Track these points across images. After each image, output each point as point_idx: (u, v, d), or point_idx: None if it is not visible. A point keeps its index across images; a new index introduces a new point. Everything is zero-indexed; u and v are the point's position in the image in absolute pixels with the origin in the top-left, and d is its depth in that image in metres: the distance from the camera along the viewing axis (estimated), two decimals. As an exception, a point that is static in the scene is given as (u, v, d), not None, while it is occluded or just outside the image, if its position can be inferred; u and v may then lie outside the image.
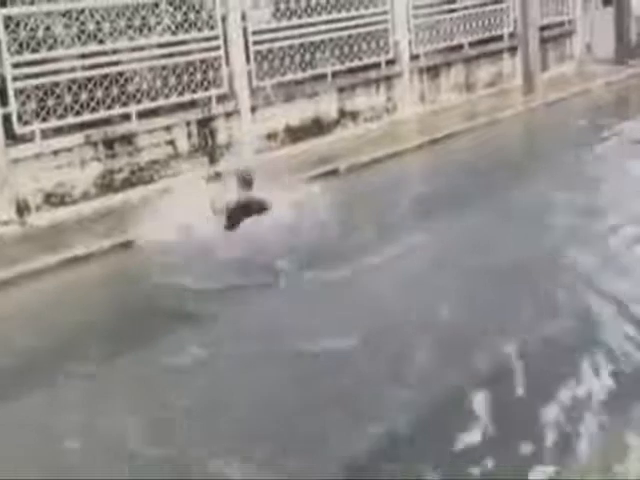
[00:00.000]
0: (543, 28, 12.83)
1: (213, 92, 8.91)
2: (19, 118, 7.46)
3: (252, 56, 9.28)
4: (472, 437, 3.85)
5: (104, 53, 8.07)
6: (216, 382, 4.64)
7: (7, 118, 7.39)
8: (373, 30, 10.62)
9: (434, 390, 4.34)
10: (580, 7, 13.76)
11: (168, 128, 8.54)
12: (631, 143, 9.61)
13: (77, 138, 7.83)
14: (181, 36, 8.64)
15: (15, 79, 7.42)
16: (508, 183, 8.10)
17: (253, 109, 9.29)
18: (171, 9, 8.53)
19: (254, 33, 9.30)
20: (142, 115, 8.34)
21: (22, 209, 7.50)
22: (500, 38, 12.45)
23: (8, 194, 7.39)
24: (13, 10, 7.42)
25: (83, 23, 7.84)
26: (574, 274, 5.81)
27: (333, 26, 10.13)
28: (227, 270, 6.32)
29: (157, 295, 5.96)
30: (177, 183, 8.46)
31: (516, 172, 8.58)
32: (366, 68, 10.60)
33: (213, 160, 8.92)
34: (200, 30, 8.78)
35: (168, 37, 8.55)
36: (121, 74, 8.15)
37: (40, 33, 7.55)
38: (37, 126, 7.57)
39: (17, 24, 7.41)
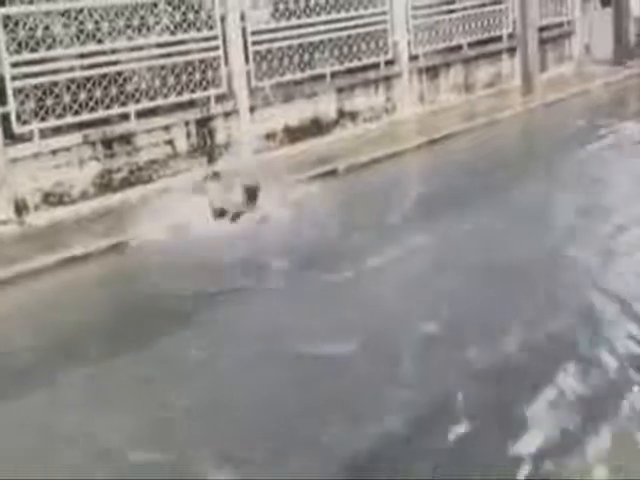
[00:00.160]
0: (542, 29, 12.84)
1: (212, 92, 8.90)
2: (18, 117, 7.44)
3: (251, 56, 9.27)
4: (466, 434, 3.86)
5: (103, 53, 8.05)
6: (215, 385, 4.60)
7: (6, 117, 7.37)
8: (372, 30, 10.61)
9: (433, 392, 4.31)
10: (579, 8, 13.78)
11: (167, 128, 8.53)
12: (630, 143, 9.61)
13: (76, 138, 7.82)
14: (180, 36, 8.63)
15: (14, 78, 7.41)
16: (507, 183, 8.09)
17: (252, 109, 9.28)
18: (170, 9, 8.52)
19: (253, 33, 9.29)
20: (141, 115, 8.32)
21: (20, 208, 7.48)
22: (499, 39, 12.45)
23: (6, 193, 7.37)
24: (12, 9, 7.41)
25: (82, 23, 7.83)
26: (576, 273, 5.82)
27: (332, 26, 10.13)
28: (226, 271, 6.30)
29: (155, 296, 5.91)
30: (176, 183, 8.47)
31: (515, 173, 8.58)
32: (365, 68, 10.60)
33: (212, 160, 8.91)
34: (199, 30, 8.77)
35: (167, 37, 8.53)
36: (120, 74, 8.14)
37: (39, 32, 7.53)
38: (36, 125, 7.56)
39: (16, 23, 7.40)
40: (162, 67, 8.52)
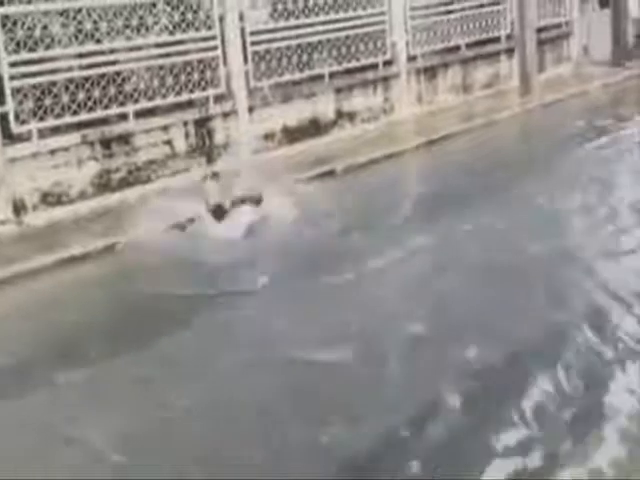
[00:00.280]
0: (540, 30, 12.86)
1: (210, 92, 8.90)
2: (16, 117, 7.43)
3: (250, 56, 9.27)
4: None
5: (101, 53, 8.04)
6: (211, 388, 4.58)
7: (4, 117, 7.36)
8: (370, 31, 10.62)
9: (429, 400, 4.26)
10: (577, 9, 13.79)
11: (165, 128, 8.53)
12: (628, 144, 9.62)
13: (74, 137, 7.82)
14: (178, 36, 8.63)
15: (12, 78, 7.40)
16: (506, 184, 8.09)
17: (250, 109, 9.28)
18: (168, 9, 8.52)
19: (252, 33, 9.29)
20: (139, 115, 8.32)
21: (19, 208, 7.48)
22: (497, 40, 12.46)
23: (5, 193, 7.37)
24: (10, 9, 7.40)
25: (80, 22, 7.82)
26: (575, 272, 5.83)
27: (330, 27, 10.13)
28: (221, 273, 6.27)
29: (151, 297, 5.87)
30: (175, 183, 8.47)
31: (514, 173, 8.58)
32: (363, 69, 10.60)
33: (210, 160, 8.91)
34: (198, 30, 8.77)
35: (165, 37, 8.53)
36: (118, 74, 8.13)
37: (37, 32, 7.52)
38: (34, 125, 7.55)
39: (14, 23, 7.39)
40: (161, 67, 8.51)
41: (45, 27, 7.59)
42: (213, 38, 8.91)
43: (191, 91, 8.74)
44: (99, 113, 7.99)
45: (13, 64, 7.41)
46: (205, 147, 8.88)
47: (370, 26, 10.61)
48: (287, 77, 9.72)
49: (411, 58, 11.16)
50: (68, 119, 7.78)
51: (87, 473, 3.87)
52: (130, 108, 8.21)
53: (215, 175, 8.58)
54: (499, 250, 6.30)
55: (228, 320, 5.50)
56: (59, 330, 5.53)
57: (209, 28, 8.85)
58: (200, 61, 8.82)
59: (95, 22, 7.92)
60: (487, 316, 5.18)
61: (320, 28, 10.01)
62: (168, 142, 8.54)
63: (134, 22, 8.21)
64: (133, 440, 4.12)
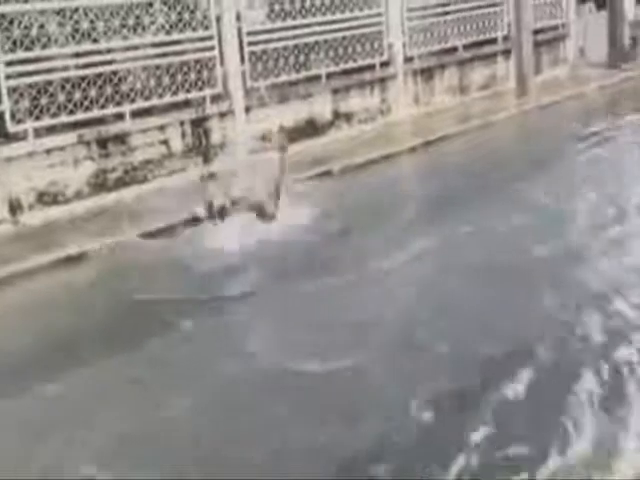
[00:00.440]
0: (537, 32, 12.88)
1: (207, 92, 8.89)
2: (12, 116, 7.42)
3: (246, 57, 9.26)
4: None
5: (98, 52, 8.03)
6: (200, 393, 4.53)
7: (0, 116, 7.35)
8: (367, 32, 10.62)
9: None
10: (574, 11, 13.81)
11: (162, 128, 8.52)
12: (625, 146, 9.64)
13: (70, 137, 7.80)
14: (175, 36, 8.62)
15: (8, 77, 7.38)
16: (504, 185, 8.08)
17: (247, 109, 9.27)
18: (165, 9, 8.51)
19: (249, 34, 9.29)
20: (136, 114, 8.31)
21: (15, 208, 7.45)
22: (494, 41, 12.48)
23: (1, 193, 7.34)
24: (6, 8, 7.38)
25: (77, 22, 7.81)
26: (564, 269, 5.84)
27: (327, 28, 10.13)
28: (217, 277, 6.20)
29: (146, 299, 5.82)
30: (171, 183, 8.46)
31: (511, 174, 8.56)
32: (360, 70, 10.60)
33: (207, 160, 8.90)
34: (194, 30, 8.76)
35: (162, 37, 8.52)
36: (115, 73, 8.12)
37: (34, 31, 7.51)
38: (30, 124, 7.53)
39: (10, 22, 7.38)
40: (157, 67, 8.50)
41: (42, 26, 7.58)
42: (210, 38, 8.90)
43: (188, 91, 8.73)
44: (95, 113, 7.98)
45: (9, 63, 7.39)
46: (202, 147, 8.87)
47: (367, 27, 10.62)
48: (284, 77, 9.72)
49: (408, 59, 11.17)
50: (64, 118, 7.76)
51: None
52: (126, 108, 8.20)
53: (212, 175, 8.58)
54: (498, 251, 6.27)
55: (223, 325, 5.43)
56: (53, 331, 5.49)
57: (206, 28, 8.85)
58: (197, 61, 8.81)
59: (92, 21, 7.90)
60: (494, 320, 5.12)
61: (317, 29, 10.01)
62: (164, 142, 8.53)
63: (131, 22, 8.20)
64: (128, 440, 4.11)
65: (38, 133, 7.62)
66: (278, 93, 9.59)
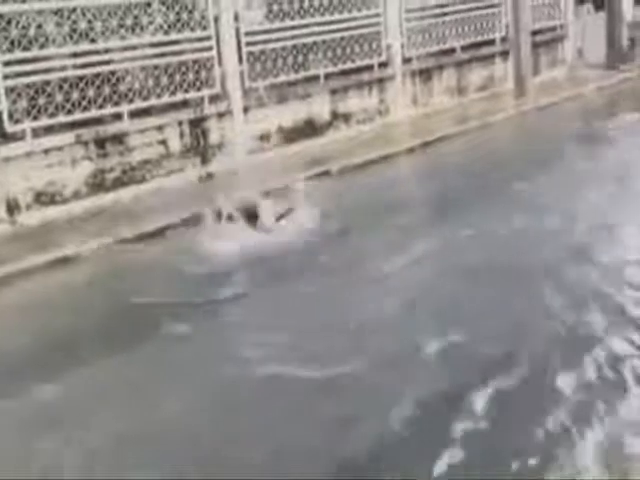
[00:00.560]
0: (535, 33, 12.88)
1: (205, 92, 8.88)
2: (10, 116, 7.40)
3: (245, 57, 9.25)
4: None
5: (96, 52, 8.02)
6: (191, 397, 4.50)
7: (-2, 116, 7.35)
8: (366, 33, 10.62)
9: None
10: (572, 12, 13.82)
11: (160, 128, 8.50)
12: (622, 147, 9.63)
13: (68, 137, 7.78)
14: (173, 36, 8.61)
15: (6, 77, 7.36)
16: (502, 186, 8.08)
17: (245, 110, 9.26)
18: (163, 9, 8.50)
19: (247, 34, 9.27)
20: (134, 115, 8.29)
21: (12, 208, 7.44)
22: (492, 42, 12.47)
23: (-2, 192, 7.35)
24: (4, 7, 7.37)
25: (75, 22, 7.80)
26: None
27: (326, 28, 10.12)
28: (212, 279, 6.15)
29: (142, 301, 5.79)
30: (169, 183, 8.45)
31: (509, 175, 8.55)
32: (359, 70, 10.60)
33: (205, 160, 8.89)
34: (193, 30, 8.74)
35: (160, 37, 8.50)
36: (113, 73, 8.10)
37: (32, 31, 7.49)
38: (28, 124, 7.51)
39: (8, 22, 7.36)
40: (155, 67, 8.49)
41: (39, 26, 7.57)
42: (208, 38, 8.89)
43: (186, 91, 8.72)
44: (93, 113, 7.96)
45: (7, 63, 7.38)
46: (200, 147, 8.86)
47: (365, 28, 10.61)
48: (282, 78, 9.71)
49: (406, 60, 11.16)
50: (62, 118, 7.75)
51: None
52: (125, 108, 8.18)
53: (210, 175, 8.58)
54: (497, 253, 6.25)
55: (209, 330, 5.37)
56: (46, 331, 5.47)
57: (204, 28, 8.83)
58: (195, 61, 8.79)
59: (90, 21, 7.89)
60: (495, 325, 5.06)
61: (315, 29, 10.00)
62: (163, 142, 8.51)
63: (129, 22, 8.19)
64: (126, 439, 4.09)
65: (36, 133, 7.60)
66: (276, 93, 9.58)
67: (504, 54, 12.62)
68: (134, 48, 8.31)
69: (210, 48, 8.89)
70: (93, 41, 7.95)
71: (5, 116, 7.36)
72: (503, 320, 5.10)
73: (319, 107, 10.09)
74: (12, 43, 7.38)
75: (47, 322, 5.64)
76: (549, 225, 6.86)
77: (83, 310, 5.83)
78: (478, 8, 12.16)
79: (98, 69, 7.97)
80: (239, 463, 3.81)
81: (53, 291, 6.25)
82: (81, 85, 7.84)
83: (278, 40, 9.62)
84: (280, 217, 7.21)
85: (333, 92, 10.26)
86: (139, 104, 8.33)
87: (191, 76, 8.74)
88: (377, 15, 10.76)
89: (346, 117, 10.45)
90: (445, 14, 11.69)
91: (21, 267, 6.53)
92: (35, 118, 7.57)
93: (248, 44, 9.29)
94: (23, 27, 7.45)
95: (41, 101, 7.57)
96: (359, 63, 10.55)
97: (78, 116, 7.85)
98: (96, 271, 6.59)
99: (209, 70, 8.90)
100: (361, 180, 8.75)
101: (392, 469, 3.65)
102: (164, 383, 4.67)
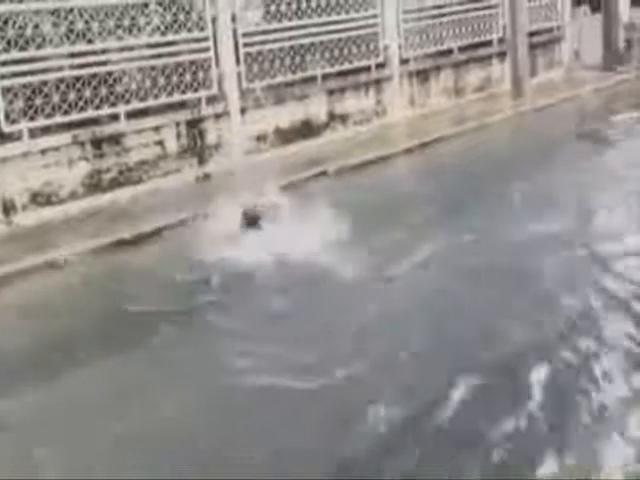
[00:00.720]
0: (532, 34, 12.90)
1: (203, 93, 8.87)
2: (6, 116, 7.39)
3: (242, 58, 9.25)
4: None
5: (93, 53, 8.01)
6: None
7: (-6, 116, 7.34)
8: (363, 34, 10.62)
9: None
10: (569, 14, 13.84)
11: (157, 129, 8.49)
12: (618, 148, 9.65)
13: (65, 137, 7.77)
14: (171, 37, 8.60)
15: (2, 77, 7.36)
16: (500, 187, 8.07)
17: (243, 111, 9.26)
18: (161, 9, 8.49)
19: (244, 35, 9.28)
20: (131, 115, 8.28)
21: (8, 208, 7.43)
22: (489, 43, 12.49)
23: (-5, 193, 7.34)
24: (1, 8, 7.35)
25: (72, 22, 7.79)
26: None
27: (323, 29, 10.12)
28: (210, 281, 6.11)
29: (136, 303, 5.75)
30: (166, 183, 8.44)
31: (506, 176, 8.56)
32: (356, 71, 10.60)
33: (202, 161, 8.88)
34: (190, 31, 8.74)
35: (158, 37, 8.50)
36: (110, 74, 8.10)
37: (28, 31, 7.48)
38: (25, 125, 7.50)
39: (5, 22, 7.35)
40: (152, 68, 8.48)
41: (36, 26, 7.55)
42: (205, 39, 8.88)
43: (183, 92, 8.71)
44: (90, 113, 7.96)
45: (3, 63, 7.37)
46: (197, 148, 8.85)
47: (363, 29, 10.62)
48: (280, 79, 9.71)
49: (404, 61, 11.17)
50: (59, 119, 7.74)
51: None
52: (121, 108, 8.17)
53: (207, 176, 8.56)
54: (496, 255, 6.24)
55: (196, 337, 5.35)
56: (45, 331, 5.46)
57: (201, 29, 8.83)
58: (192, 62, 8.79)
59: (87, 22, 7.88)
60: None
61: (313, 30, 10.01)
62: (160, 143, 8.50)
63: (126, 22, 8.18)
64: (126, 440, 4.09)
65: (33, 133, 7.59)
66: (274, 94, 9.58)
67: (501, 55, 12.63)
68: (131, 49, 8.31)
69: (207, 49, 8.89)
70: (90, 42, 7.94)
71: (2, 116, 7.35)
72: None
73: (316, 108, 10.09)
74: (9, 43, 7.37)
75: (41, 322, 5.63)
76: (548, 225, 6.84)
77: (78, 310, 5.82)
78: (475, 9, 12.18)
79: (95, 70, 7.97)
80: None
81: (50, 291, 6.24)
82: (78, 85, 7.83)
83: (275, 41, 9.62)
84: (274, 218, 7.18)
85: (330, 93, 10.26)
86: (136, 105, 8.32)
87: (188, 77, 8.73)
88: (374, 16, 10.77)
89: (343, 118, 10.45)
90: (442, 15, 11.70)
91: (17, 268, 6.52)
92: (32, 118, 7.55)
93: (245, 45, 9.29)
94: (20, 27, 7.43)
95: (38, 101, 7.56)
96: (356, 64, 10.55)
97: (75, 116, 7.84)
98: (93, 271, 6.58)
99: (206, 71, 8.89)
100: (358, 181, 8.75)
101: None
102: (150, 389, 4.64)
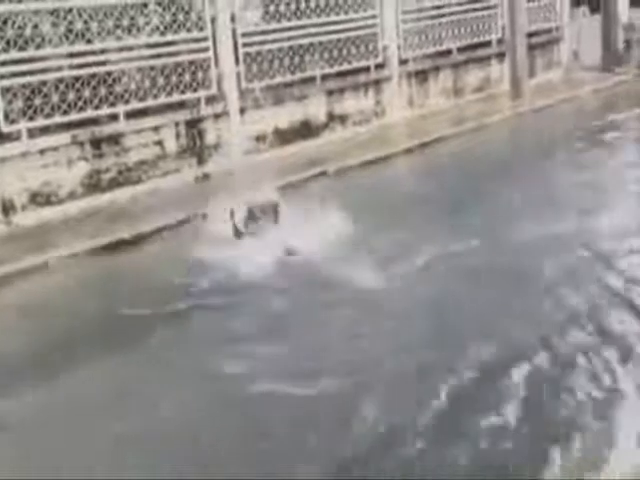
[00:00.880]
0: (531, 35, 12.90)
1: (202, 93, 8.87)
2: (5, 116, 7.38)
3: (241, 58, 9.25)
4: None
5: (92, 53, 8.00)
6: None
7: (-7, 116, 7.33)
8: (362, 34, 10.62)
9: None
10: (567, 14, 13.84)
11: (156, 128, 8.49)
12: (616, 149, 9.66)
13: (64, 137, 7.77)
14: (170, 37, 8.60)
15: (1, 77, 7.35)
16: (499, 187, 8.08)
17: (242, 111, 9.25)
18: (160, 9, 8.49)
19: (243, 35, 9.27)
20: (130, 115, 8.28)
21: (8, 208, 7.42)
22: (488, 44, 12.49)
23: (-6, 193, 7.33)
24: (0, 8, 7.35)
25: (71, 22, 7.78)
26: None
27: (322, 29, 10.12)
28: (210, 282, 6.08)
29: (135, 305, 5.72)
30: (165, 183, 8.43)
31: (505, 177, 8.57)
32: (355, 72, 10.60)
33: (201, 161, 8.88)
34: (189, 31, 8.74)
35: (157, 37, 8.49)
36: (109, 74, 8.09)
37: (28, 31, 7.48)
38: (24, 125, 7.50)
39: (4, 22, 7.35)
40: (152, 68, 8.47)
41: (35, 26, 7.55)
42: (205, 39, 8.88)
43: (182, 92, 8.71)
44: (89, 113, 7.95)
45: (3, 63, 7.36)
46: (196, 148, 8.85)
47: (362, 29, 10.62)
48: (279, 79, 9.70)
49: (403, 61, 11.17)
50: (58, 119, 7.73)
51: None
52: (121, 108, 8.17)
53: (206, 176, 8.56)
54: (496, 255, 6.23)
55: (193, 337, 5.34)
56: (43, 332, 5.46)
57: (201, 29, 8.83)
58: (191, 62, 8.78)
59: (86, 22, 7.87)
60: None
61: (312, 30, 10.01)
62: (159, 143, 8.50)
63: (125, 22, 8.17)
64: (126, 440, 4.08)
65: (32, 133, 7.58)
66: (273, 94, 9.57)
67: (500, 56, 12.63)
68: (130, 49, 8.30)
69: (207, 49, 8.88)
70: (89, 42, 7.94)
71: (1, 116, 7.34)
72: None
73: (315, 108, 10.09)
74: (8, 43, 7.37)
75: (38, 322, 5.63)
76: (548, 225, 6.85)
77: (76, 310, 5.80)
78: (474, 10, 12.18)
79: (94, 70, 7.96)
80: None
81: (49, 291, 6.24)
82: (77, 85, 7.83)
83: (275, 41, 9.62)
84: (274, 220, 7.17)
85: (329, 93, 10.26)
86: (135, 105, 8.32)
87: (187, 77, 8.72)
88: (374, 17, 10.77)
89: (342, 118, 10.45)
90: (441, 16, 11.71)
91: (16, 267, 6.52)
92: (31, 118, 7.55)
93: (245, 45, 9.28)
94: (19, 27, 7.43)
95: (37, 101, 7.55)
96: (355, 64, 10.55)
97: (74, 116, 7.84)
98: (91, 272, 6.57)
99: (206, 71, 8.89)
100: (358, 181, 8.75)
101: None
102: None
